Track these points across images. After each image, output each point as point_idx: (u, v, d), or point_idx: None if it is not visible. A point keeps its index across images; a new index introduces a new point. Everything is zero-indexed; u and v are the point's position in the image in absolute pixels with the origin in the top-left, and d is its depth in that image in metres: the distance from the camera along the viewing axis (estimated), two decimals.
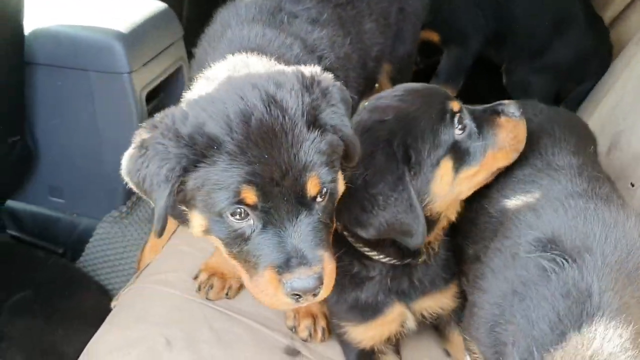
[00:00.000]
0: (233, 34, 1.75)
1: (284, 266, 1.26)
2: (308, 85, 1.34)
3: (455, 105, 1.57)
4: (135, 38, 2.51)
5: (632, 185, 1.91)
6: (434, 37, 2.75)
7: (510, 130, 1.61)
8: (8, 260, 2.65)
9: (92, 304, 2.51)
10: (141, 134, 1.33)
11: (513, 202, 1.55)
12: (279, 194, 1.24)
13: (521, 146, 1.63)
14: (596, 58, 2.80)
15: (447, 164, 1.54)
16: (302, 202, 1.27)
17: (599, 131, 1.96)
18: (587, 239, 1.29)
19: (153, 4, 2.73)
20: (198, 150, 1.25)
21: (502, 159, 1.62)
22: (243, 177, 1.24)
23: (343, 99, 1.40)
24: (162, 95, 2.81)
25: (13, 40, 2.39)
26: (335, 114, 1.34)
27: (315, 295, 1.29)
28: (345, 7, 1.93)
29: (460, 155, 1.55)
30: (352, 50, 1.87)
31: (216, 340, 1.71)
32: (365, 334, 1.69)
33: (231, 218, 1.27)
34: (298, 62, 1.62)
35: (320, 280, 1.27)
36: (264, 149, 1.24)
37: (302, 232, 1.27)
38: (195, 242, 2.06)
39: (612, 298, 1.18)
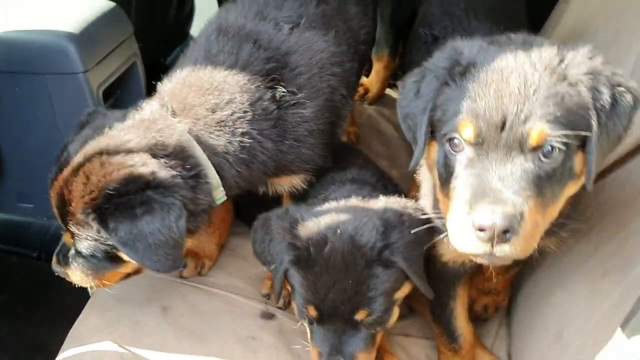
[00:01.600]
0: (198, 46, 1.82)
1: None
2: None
3: None
4: (87, 38, 2.56)
5: None
6: None
7: None
8: None
9: (71, 300, 2.58)
10: None
11: None
12: None
13: None
14: None
15: None
16: None
17: None
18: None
19: (101, 3, 2.77)
20: None
21: None
22: None
23: None
24: (120, 91, 2.87)
25: None
26: None
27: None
28: (328, 1, 1.96)
29: None
30: (339, 43, 1.90)
31: (194, 312, 1.82)
32: None
33: None
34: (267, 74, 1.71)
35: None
36: None
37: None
38: None
39: None
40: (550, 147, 1.23)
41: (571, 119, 1.24)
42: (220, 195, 1.69)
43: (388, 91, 3.01)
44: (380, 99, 2.93)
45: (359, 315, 1.51)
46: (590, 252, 1.63)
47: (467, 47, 1.38)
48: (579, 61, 1.30)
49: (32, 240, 2.92)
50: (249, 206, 2.03)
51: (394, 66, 2.84)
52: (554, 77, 1.25)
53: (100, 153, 1.56)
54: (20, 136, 2.73)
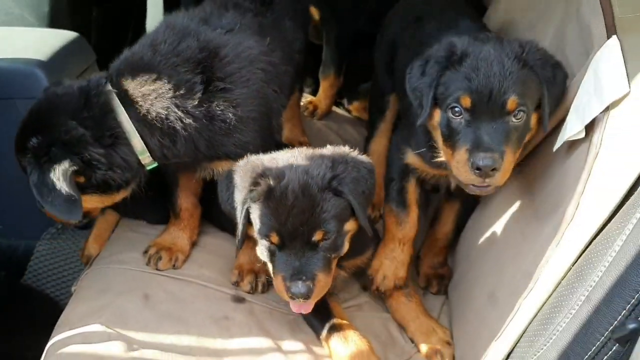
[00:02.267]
0: (148, 35, 2.13)
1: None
2: None
3: None
4: (55, 64, 2.74)
5: None
6: (314, 14, 2.99)
7: None
8: None
9: (43, 312, 2.70)
10: None
11: None
12: None
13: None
14: None
15: None
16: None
17: None
18: None
19: (66, 34, 2.99)
20: None
21: None
22: None
23: None
24: None
25: None
26: None
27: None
28: (265, 14, 2.28)
29: None
30: (273, 49, 2.19)
31: (172, 299, 2.01)
32: None
33: None
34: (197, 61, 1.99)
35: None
36: None
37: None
38: (138, 227, 2.35)
39: None
40: (518, 111, 1.75)
41: (530, 92, 1.78)
42: (147, 160, 1.97)
43: (334, 108, 3.31)
44: (328, 114, 3.23)
45: (317, 236, 1.74)
46: (512, 221, 1.95)
47: (459, 41, 1.86)
48: (534, 50, 1.82)
49: (0, 260, 3.01)
50: (216, 207, 2.25)
51: (339, 84, 3.15)
52: (520, 63, 1.77)
53: (37, 114, 1.96)
54: None
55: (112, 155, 1.90)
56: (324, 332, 1.97)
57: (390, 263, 2.14)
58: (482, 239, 2.10)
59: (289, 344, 1.95)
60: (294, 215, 1.73)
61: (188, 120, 1.95)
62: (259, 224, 1.78)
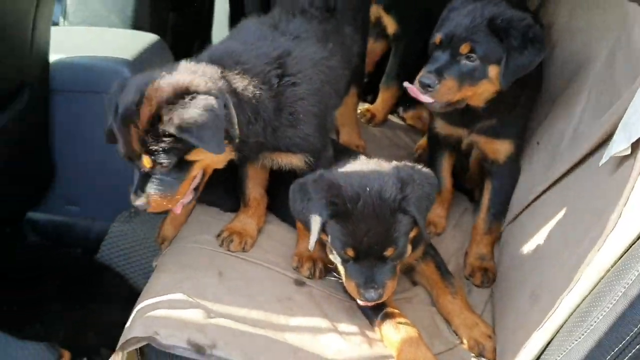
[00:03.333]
0: (218, 44, 2.38)
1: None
2: None
3: None
4: (139, 63, 3.04)
5: (537, 144, 2.58)
6: (390, 27, 3.20)
7: None
8: (37, 260, 3.10)
9: (115, 286, 2.99)
10: None
11: None
12: None
13: None
14: None
15: None
16: None
17: None
18: None
19: (148, 36, 3.29)
20: None
21: None
22: None
23: None
24: None
25: (42, 71, 2.89)
26: None
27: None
28: (329, 20, 2.52)
29: None
30: (334, 53, 2.41)
31: (242, 278, 2.24)
32: None
33: None
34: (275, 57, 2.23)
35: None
36: None
37: None
38: (211, 212, 2.60)
39: None
40: (468, 55, 2.28)
41: (489, 48, 2.27)
42: (235, 133, 2.09)
43: (389, 116, 3.51)
44: (384, 122, 3.43)
45: (388, 252, 1.97)
46: (556, 228, 2.12)
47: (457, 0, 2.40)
48: (510, 20, 2.27)
49: (76, 239, 3.30)
50: (278, 200, 2.49)
51: (400, 95, 3.31)
52: (489, 25, 2.26)
53: (171, 86, 1.99)
54: (75, 147, 3.15)
55: (229, 110, 2.04)
56: (377, 319, 2.15)
57: (434, 214, 2.75)
58: (526, 243, 2.27)
59: (345, 327, 2.15)
60: (369, 236, 1.95)
61: (266, 104, 2.18)
62: (336, 240, 2.00)
